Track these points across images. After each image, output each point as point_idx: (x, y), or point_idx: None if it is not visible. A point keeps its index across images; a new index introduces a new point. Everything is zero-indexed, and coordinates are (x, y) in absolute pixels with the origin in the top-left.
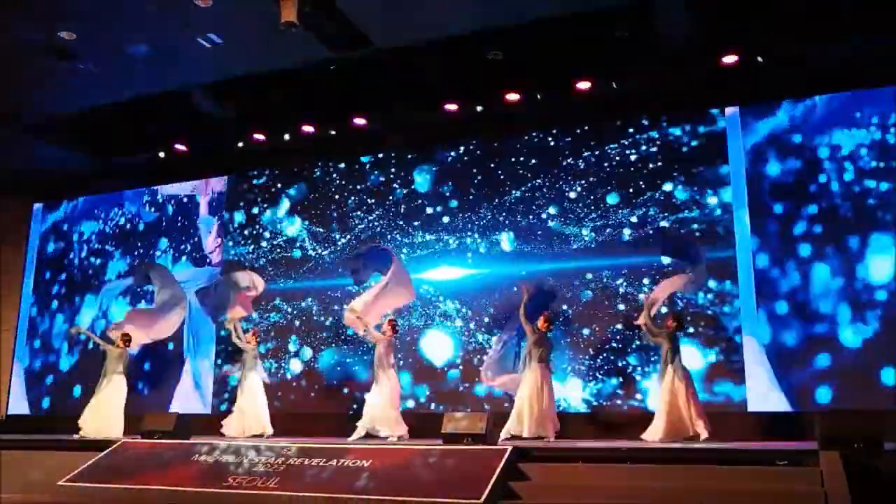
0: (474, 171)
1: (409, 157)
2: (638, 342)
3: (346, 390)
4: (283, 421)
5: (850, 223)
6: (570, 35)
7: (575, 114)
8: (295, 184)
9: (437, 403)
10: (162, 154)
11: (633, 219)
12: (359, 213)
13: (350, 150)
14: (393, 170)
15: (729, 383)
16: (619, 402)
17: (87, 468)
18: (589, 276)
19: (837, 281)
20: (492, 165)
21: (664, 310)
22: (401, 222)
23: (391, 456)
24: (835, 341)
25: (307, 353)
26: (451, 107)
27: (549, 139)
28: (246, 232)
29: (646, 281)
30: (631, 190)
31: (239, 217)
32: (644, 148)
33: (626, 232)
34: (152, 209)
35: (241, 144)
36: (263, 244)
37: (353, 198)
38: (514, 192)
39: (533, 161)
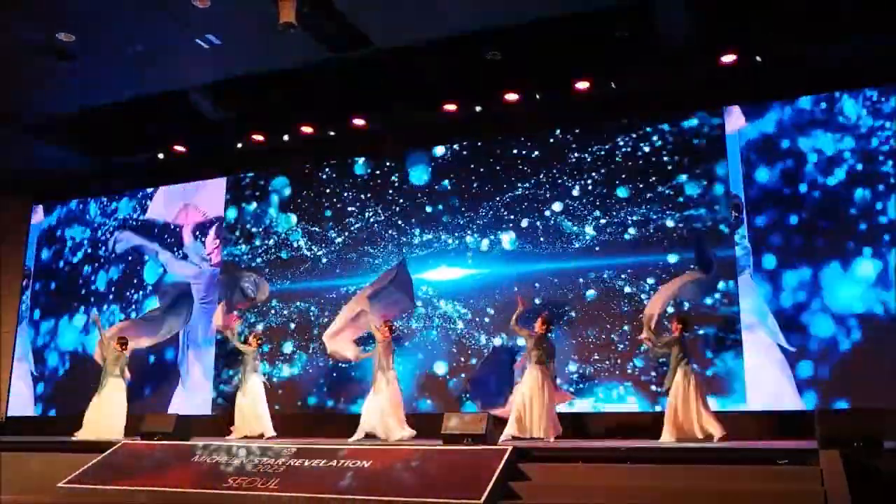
0: (474, 170)
1: (409, 157)
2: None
3: (344, 393)
4: (282, 422)
5: (850, 222)
6: (569, 35)
7: (574, 114)
8: (293, 184)
9: (436, 405)
10: (161, 155)
11: (636, 217)
12: (357, 212)
13: (349, 151)
14: (392, 170)
15: (729, 382)
16: (625, 403)
17: (86, 469)
18: (592, 275)
19: (839, 281)
20: (491, 164)
21: (670, 309)
22: (399, 222)
23: (391, 456)
24: (835, 342)
25: (305, 353)
26: (451, 107)
27: (549, 139)
28: (244, 232)
29: (650, 280)
30: (632, 189)
31: (237, 217)
32: (644, 147)
33: (629, 231)
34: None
35: (240, 145)
36: (261, 245)
37: (351, 198)
38: (513, 191)
39: (533, 160)
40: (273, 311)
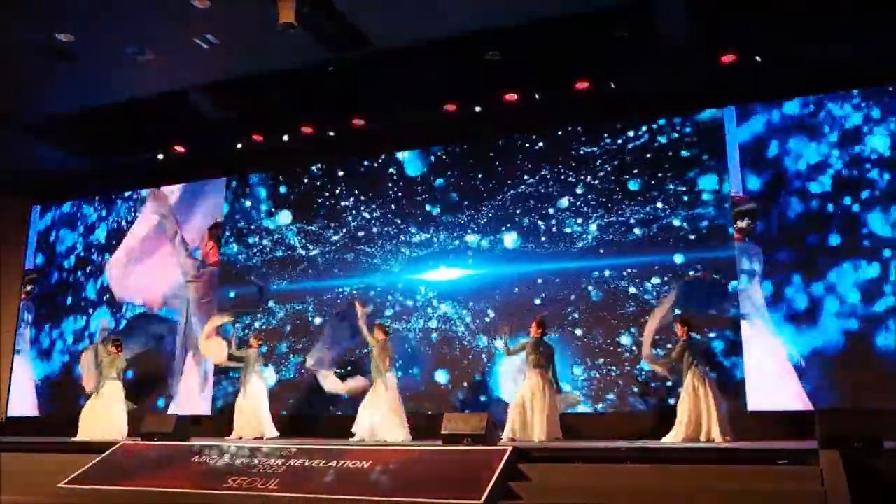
0: (473, 169)
1: (408, 156)
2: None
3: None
4: (279, 423)
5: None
6: (569, 35)
7: (574, 113)
8: (292, 184)
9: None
10: (161, 155)
11: (639, 217)
12: (356, 212)
13: (349, 151)
14: (391, 169)
15: (730, 383)
16: (630, 404)
17: (86, 470)
18: (596, 274)
19: (840, 282)
20: (491, 163)
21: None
22: (398, 221)
23: (391, 457)
24: (835, 342)
25: (301, 354)
26: (450, 107)
27: (549, 138)
28: (243, 233)
29: (655, 280)
30: (634, 188)
31: (236, 218)
32: (645, 147)
33: (633, 231)
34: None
35: (239, 145)
36: (258, 245)
37: (351, 198)
38: (514, 189)
39: (533, 159)
40: (270, 312)
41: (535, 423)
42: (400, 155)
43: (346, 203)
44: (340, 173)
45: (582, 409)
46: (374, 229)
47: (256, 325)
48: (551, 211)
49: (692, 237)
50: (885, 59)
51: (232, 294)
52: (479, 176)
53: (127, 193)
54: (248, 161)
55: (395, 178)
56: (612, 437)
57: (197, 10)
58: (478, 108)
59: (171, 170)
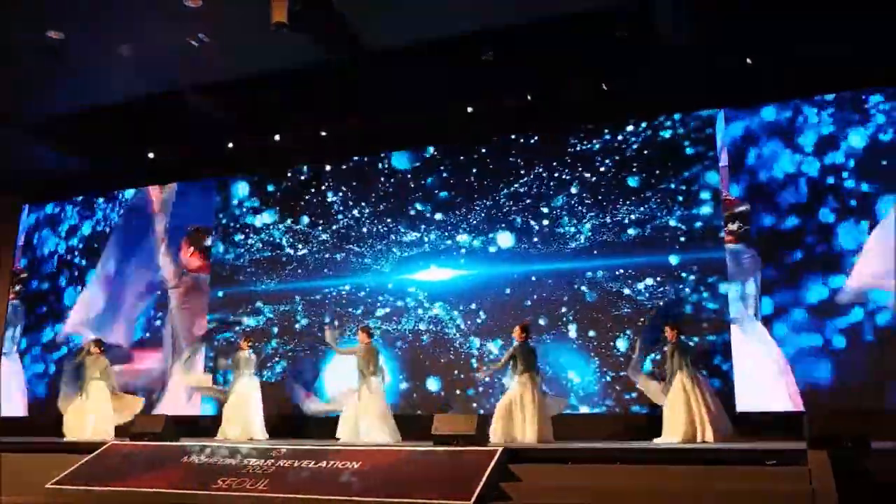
0: (466, 169)
1: (400, 155)
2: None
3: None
4: (267, 423)
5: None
6: (565, 36)
7: (569, 114)
8: (283, 184)
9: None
10: (152, 155)
11: (633, 217)
12: (347, 211)
13: (341, 151)
14: (383, 168)
15: (719, 384)
16: (623, 406)
17: (75, 470)
18: (589, 275)
19: (830, 283)
20: (485, 163)
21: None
22: (388, 220)
23: (381, 457)
24: (823, 344)
25: (289, 354)
26: (443, 107)
27: (544, 138)
28: (229, 231)
29: (649, 281)
30: (629, 188)
31: (226, 219)
32: (641, 147)
33: (627, 231)
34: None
35: (231, 145)
36: (248, 245)
37: (341, 197)
38: (508, 188)
39: (527, 159)
40: (259, 313)
41: (526, 429)
42: (392, 154)
43: (336, 202)
44: (331, 172)
45: (581, 410)
46: (364, 228)
47: (250, 322)
48: (545, 210)
49: (687, 238)
50: (882, 60)
51: (220, 294)
52: (472, 175)
53: (117, 194)
54: (241, 161)
55: (386, 176)
56: (603, 439)
57: (189, 10)
58: (469, 109)
59: (163, 169)
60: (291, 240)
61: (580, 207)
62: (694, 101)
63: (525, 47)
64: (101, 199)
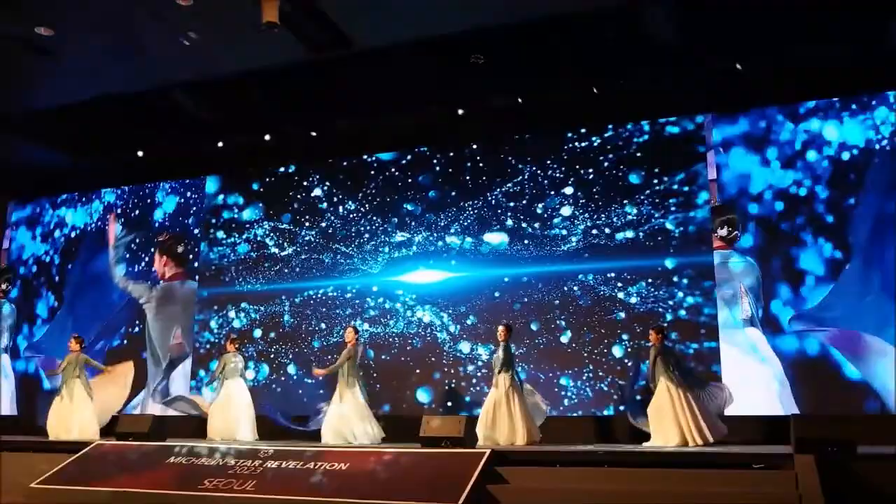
0: (457, 169)
1: (391, 157)
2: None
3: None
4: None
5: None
6: (553, 38)
7: (560, 115)
8: (269, 184)
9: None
10: (140, 153)
11: (625, 220)
12: (335, 212)
13: (331, 151)
14: (373, 170)
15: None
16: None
17: (59, 470)
18: (582, 277)
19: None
20: (475, 164)
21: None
22: (377, 219)
23: (369, 459)
24: (810, 350)
25: (277, 355)
26: (433, 109)
27: (534, 139)
28: (222, 233)
29: (642, 284)
30: (620, 191)
31: (216, 218)
32: (632, 148)
33: (619, 233)
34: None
35: (220, 144)
36: (234, 244)
37: (329, 197)
38: (500, 188)
39: (519, 161)
40: (244, 314)
41: (502, 428)
42: (381, 154)
43: (324, 201)
44: (319, 172)
45: (563, 411)
46: (353, 229)
47: (235, 324)
48: (538, 211)
49: (680, 242)
50: (867, 64)
51: (205, 293)
52: (463, 176)
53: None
54: (229, 161)
55: (375, 176)
56: (591, 442)
57: (180, 8)
58: (460, 111)
59: (151, 167)
60: (279, 239)
61: (573, 209)
62: (685, 105)
63: (514, 48)
64: (83, 199)
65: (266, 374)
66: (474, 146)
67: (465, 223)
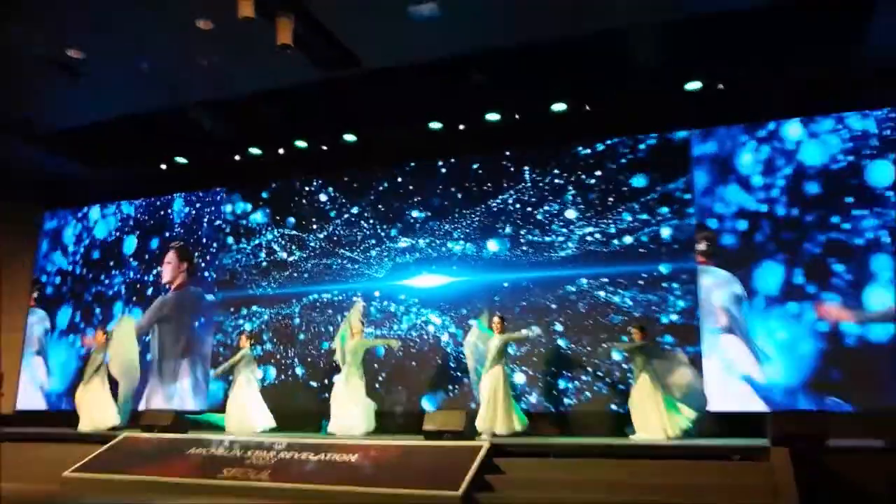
0: (460, 181)
1: (396, 170)
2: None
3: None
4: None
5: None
6: (549, 60)
7: (555, 131)
8: (283, 196)
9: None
10: (164, 166)
11: (622, 227)
12: (343, 219)
13: (340, 164)
14: (379, 182)
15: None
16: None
17: (91, 460)
18: (582, 281)
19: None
20: (478, 176)
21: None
22: (384, 225)
23: (375, 451)
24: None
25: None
26: (436, 125)
27: (532, 155)
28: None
29: (637, 290)
30: (618, 200)
31: (232, 227)
32: (628, 160)
33: (616, 240)
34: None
35: (237, 158)
36: (245, 251)
37: (336, 206)
38: (501, 195)
39: (518, 172)
40: (255, 316)
41: (498, 418)
42: (387, 167)
43: (332, 211)
44: (329, 182)
45: (559, 406)
46: (359, 235)
47: (247, 326)
48: (539, 217)
49: (670, 250)
50: (847, 84)
51: (220, 297)
52: (465, 186)
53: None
54: (245, 173)
55: (381, 186)
56: (584, 434)
57: (201, 32)
58: (462, 126)
59: (172, 180)
60: (290, 246)
61: (570, 217)
62: (667, 123)
63: (513, 68)
64: (111, 208)
65: (273, 377)
66: (474, 158)
67: (467, 230)
